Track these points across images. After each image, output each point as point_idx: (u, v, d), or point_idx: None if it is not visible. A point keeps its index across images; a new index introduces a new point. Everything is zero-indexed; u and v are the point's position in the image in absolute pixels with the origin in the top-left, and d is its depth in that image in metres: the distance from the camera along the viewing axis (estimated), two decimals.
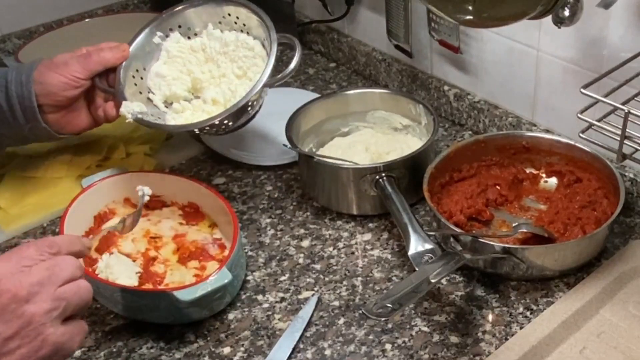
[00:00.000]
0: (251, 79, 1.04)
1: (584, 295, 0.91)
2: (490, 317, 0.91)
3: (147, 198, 0.97)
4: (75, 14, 1.59)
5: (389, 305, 0.79)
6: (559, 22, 0.87)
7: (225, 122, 0.99)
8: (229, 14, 1.06)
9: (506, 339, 0.87)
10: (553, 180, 1.07)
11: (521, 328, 0.88)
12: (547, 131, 1.12)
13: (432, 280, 0.84)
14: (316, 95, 1.30)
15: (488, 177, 1.07)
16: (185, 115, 1.05)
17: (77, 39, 1.54)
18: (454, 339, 0.88)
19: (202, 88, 1.07)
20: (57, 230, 1.06)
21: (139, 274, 0.95)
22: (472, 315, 0.91)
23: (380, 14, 1.30)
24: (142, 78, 1.06)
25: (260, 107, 1.05)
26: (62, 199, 1.05)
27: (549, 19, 0.86)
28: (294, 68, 1.01)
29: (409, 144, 1.13)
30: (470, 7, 0.80)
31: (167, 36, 1.07)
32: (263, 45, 1.05)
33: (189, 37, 1.08)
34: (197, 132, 1.01)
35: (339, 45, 1.45)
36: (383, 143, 1.14)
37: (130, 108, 1.01)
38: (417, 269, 0.90)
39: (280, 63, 1.49)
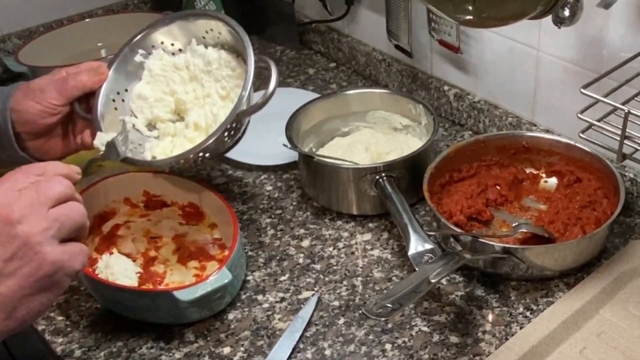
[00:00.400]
0: (233, 101, 0.96)
1: (584, 295, 0.91)
2: (490, 317, 0.91)
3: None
4: (75, 14, 1.59)
5: (389, 305, 0.79)
6: (559, 22, 0.87)
7: (201, 154, 0.93)
8: (211, 29, 1.00)
9: (506, 339, 0.87)
10: (553, 180, 1.07)
11: (521, 328, 0.88)
12: (547, 131, 1.12)
13: (432, 280, 0.84)
14: (316, 95, 1.30)
15: (488, 177, 1.07)
16: (164, 144, 0.99)
17: (77, 39, 1.55)
18: (454, 339, 0.88)
19: (185, 109, 1.00)
20: None
21: (138, 274, 0.95)
22: (472, 315, 0.91)
23: (380, 14, 1.30)
24: (123, 100, 1.00)
25: (243, 132, 0.98)
26: None
27: (549, 19, 0.86)
28: (271, 93, 0.93)
29: (409, 144, 1.13)
30: (470, 7, 0.80)
31: (149, 54, 1.01)
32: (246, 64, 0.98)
33: (173, 54, 1.02)
34: (174, 165, 0.96)
35: (339, 45, 1.45)
36: (383, 143, 1.14)
37: (104, 139, 0.94)
38: (417, 269, 0.90)
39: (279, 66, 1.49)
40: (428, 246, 0.93)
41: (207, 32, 1.00)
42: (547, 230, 0.95)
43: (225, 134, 0.92)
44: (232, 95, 0.98)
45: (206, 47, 1.00)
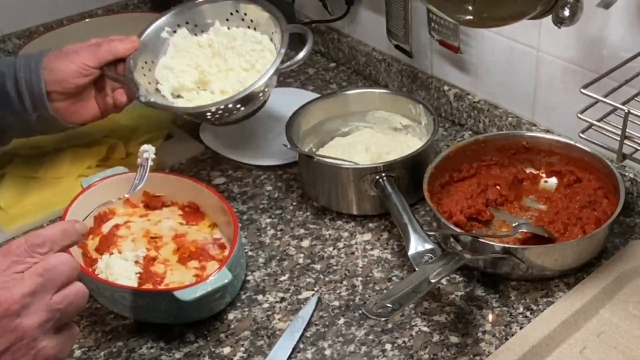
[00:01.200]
0: (259, 71, 1.04)
1: (584, 295, 0.91)
2: (490, 317, 0.91)
3: (151, 162, 0.93)
4: (75, 14, 1.59)
5: (389, 305, 0.79)
6: (559, 22, 0.87)
7: (238, 106, 1.00)
8: (237, 10, 1.07)
9: (506, 339, 0.87)
10: (553, 180, 1.07)
11: (521, 328, 0.88)
12: (547, 131, 1.12)
13: (432, 280, 0.84)
14: (316, 95, 1.30)
15: (488, 177, 1.07)
16: (195, 104, 1.06)
17: (77, 39, 1.53)
18: (454, 339, 0.88)
19: (209, 81, 1.07)
20: None
21: (138, 274, 0.94)
22: (472, 315, 0.91)
23: (380, 14, 1.30)
24: (150, 70, 1.07)
25: (268, 95, 1.06)
26: (62, 199, 1.05)
27: (549, 19, 0.86)
28: (305, 54, 1.02)
29: (409, 144, 1.13)
30: (470, 7, 0.80)
31: (174, 32, 1.09)
32: (271, 39, 1.06)
33: (196, 34, 1.09)
34: (210, 116, 1.01)
35: (339, 45, 1.45)
36: (383, 143, 1.14)
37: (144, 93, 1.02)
38: (417, 269, 0.90)
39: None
40: (428, 246, 0.93)
41: (231, 13, 1.07)
42: (547, 230, 0.95)
43: (262, 89, 0.99)
44: (257, 66, 1.05)
45: (229, 28, 1.07)
